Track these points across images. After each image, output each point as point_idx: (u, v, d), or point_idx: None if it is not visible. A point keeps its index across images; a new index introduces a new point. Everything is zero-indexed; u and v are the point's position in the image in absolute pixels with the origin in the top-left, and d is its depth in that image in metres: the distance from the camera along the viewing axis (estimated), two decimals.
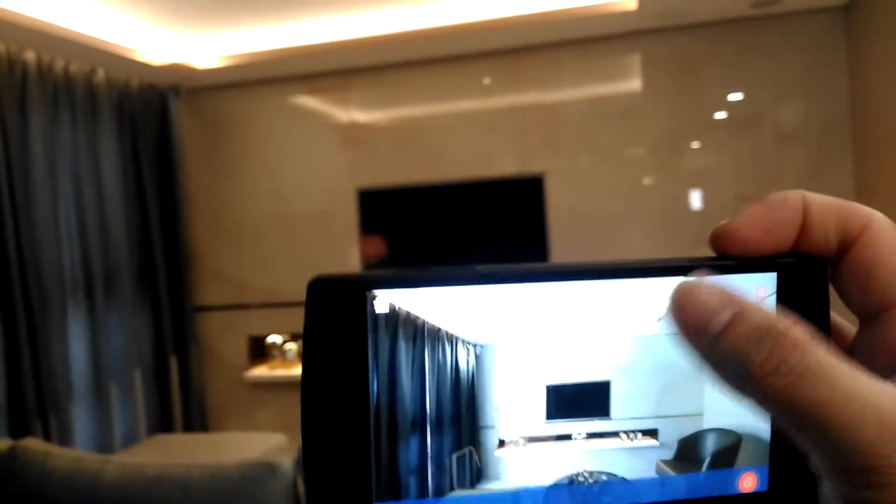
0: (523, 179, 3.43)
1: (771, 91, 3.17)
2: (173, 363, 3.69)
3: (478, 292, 0.27)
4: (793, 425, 0.22)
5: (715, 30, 3.18)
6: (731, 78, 3.23)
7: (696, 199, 3.29)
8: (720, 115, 3.27)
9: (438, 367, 0.27)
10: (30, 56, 2.92)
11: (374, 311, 0.26)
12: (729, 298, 0.23)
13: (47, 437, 2.85)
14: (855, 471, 0.21)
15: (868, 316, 0.26)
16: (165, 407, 3.64)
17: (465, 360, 0.27)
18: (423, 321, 0.26)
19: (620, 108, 3.37)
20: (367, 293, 0.26)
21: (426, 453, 0.27)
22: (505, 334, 0.27)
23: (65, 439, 2.94)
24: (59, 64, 3.08)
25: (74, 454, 1.81)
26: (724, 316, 0.22)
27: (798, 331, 0.22)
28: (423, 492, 0.27)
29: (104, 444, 3.21)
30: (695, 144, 3.32)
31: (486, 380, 0.27)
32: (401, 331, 0.26)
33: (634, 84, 3.38)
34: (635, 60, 3.37)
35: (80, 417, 3.14)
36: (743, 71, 3.20)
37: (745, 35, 3.15)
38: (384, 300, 0.26)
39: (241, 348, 3.81)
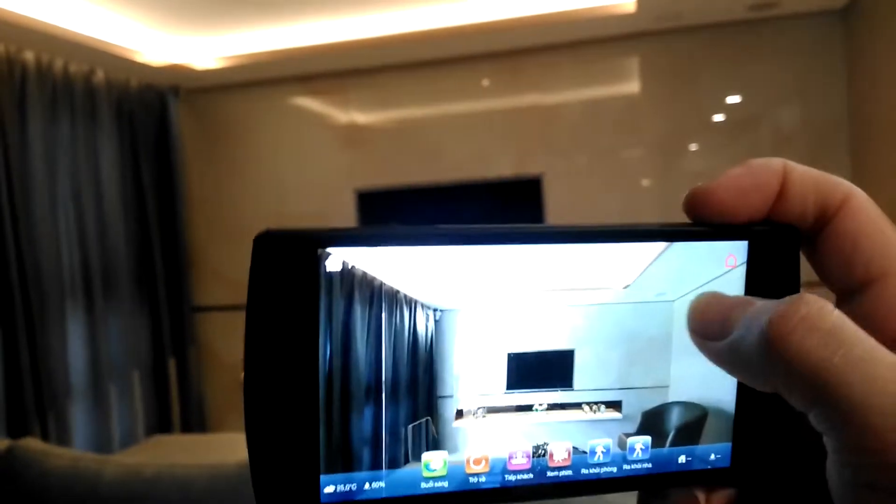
0: (521, 181, 3.43)
1: (768, 94, 3.17)
2: (172, 364, 3.69)
3: (439, 253, 0.25)
4: (818, 395, 0.20)
5: (713, 32, 3.18)
6: (728, 80, 3.23)
7: None
8: (718, 117, 3.27)
9: (395, 332, 0.25)
10: (29, 56, 2.92)
11: (327, 269, 0.24)
12: (749, 298, 0.23)
13: (46, 437, 2.84)
14: (885, 448, 0.19)
15: (848, 291, 0.25)
16: (164, 408, 3.64)
17: (423, 326, 0.26)
18: (380, 282, 0.25)
19: (618, 110, 3.37)
20: (320, 250, 0.24)
21: (381, 423, 0.25)
22: (466, 299, 0.26)
23: (63, 439, 2.93)
24: (59, 64, 3.08)
25: (73, 454, 1.81)
26: (743, 306, 0.23)
27: (819, 297, 0.21)
28: (376, 463, 0.25)
29: (102, 445, 3.20)
30: (693, 147, 3.32)
31: (446, 347, 0.26)
32: (356, 292, 0.24)
33: (632, 86, 3.38)
34: (633, 62, 3.37)
35: (79, 418, 3.13)
36: (741, 73, 3.20)
37: (743, 38, 3.15)
38: (338, 258, 0.24)
39: (240, 349, 3.78)
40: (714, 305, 0.23)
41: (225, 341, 3.86)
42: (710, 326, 0.23)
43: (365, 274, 0.25)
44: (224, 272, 3.83)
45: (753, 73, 3.17)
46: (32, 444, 1.85)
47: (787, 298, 0.21)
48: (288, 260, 0.24)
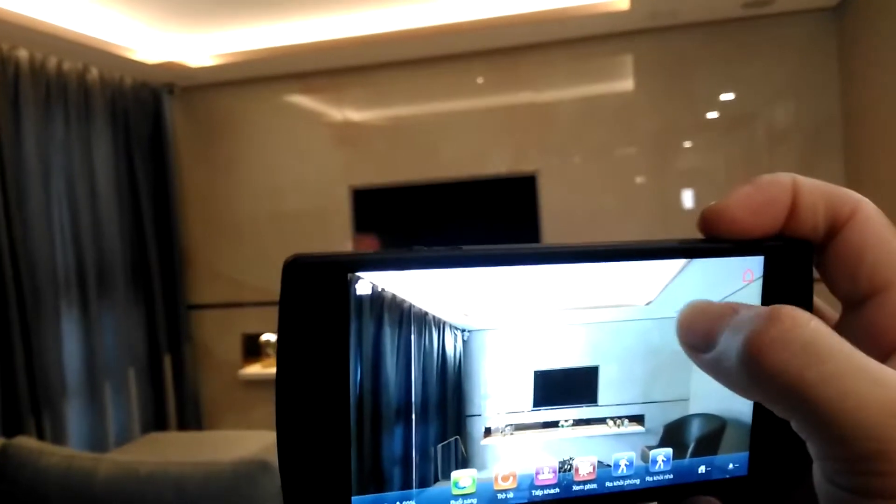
0: (516, 178, 3.43)
1: (762, 91, 3.19)
2: (167, 361, 3.69)
3: (466, 275, 0.26)
4: (794, 408, 0.21)
5: (707, 30, 3.19)
6: (722, 78, 3.24)
7: (688, 199, 3.30)
8: (712, 114, 3.29)
9: (424, 354, 0.26)
10: (22, 54, 2.91)
11: (357, 293, 0.24)
12: (733, 305, 0.23)
13: (41, 435, 2.84)
14: (858, 457, 0.19)
15: (853, 302, 0.26)
16: (159, 405, 3.64)
17: (452, 346, 0.26)
18: (409, 304, 0.25)
19: (613, 107, 3.38)
20: (349, 275, 0.24)
21: (411, 443, 0.26)
22: (493, 319, 0.26)
23: (58, 438, 2.93)
24: (52, 62, 3.07)
25: (68, 452, 1.81)
26: (726, 317, 0.23)
27: (797, 310, 0.21)
28: (406, 483, 0.26)
29: (98, 443, 3.20)
30: (687, 144, 3.33)
31: (474, 366, 0.26)
32: (385, 315, 0.25)
33: (627, 84, 3.39)
34: (627, 60, 3.38)
35: (74, 416, 3.13)
36: (734, 71, 3.21)
37: (737, 35, 3.16)
38: (367, 282, 0.24)
39: (235, 346, 3.80)
40: (700, 316, 0.24)
41: (220, 339, 3.85)
42: (697, 338, 0.24)
43: (394, 297, 0.25)
44: (219, 269, 3.82)
45: (747, 71, 3.18)
46: (27, 442, 1.84)
47: (766, 311, 0.21)
48: (318, 285, 0.24)
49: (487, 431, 0.27)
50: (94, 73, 3.29)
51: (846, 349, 0.20)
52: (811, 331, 0.20)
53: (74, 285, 3.15)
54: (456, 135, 3.53)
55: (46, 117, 3.02)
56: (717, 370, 0.23)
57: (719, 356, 0.22)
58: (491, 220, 3.48)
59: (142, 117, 3.59)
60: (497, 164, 3.49)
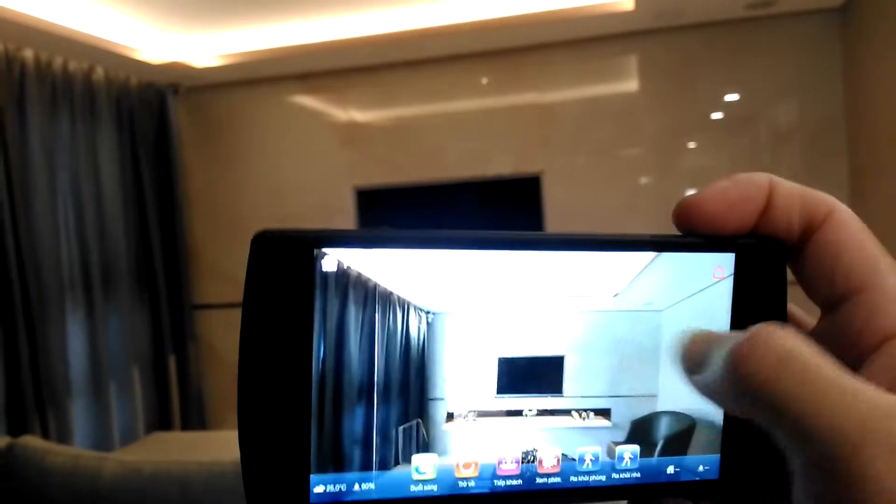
0: (520, 179, 3.43)
1: (766, 92, 3.18)
2: (172, 361, 3.69)
3: (433, 257, 0.25)
4: (774, 421, 0.21)
5: (711, 30, 3.18)
6: (726, 78, 3.23)
7: None
8: (716, 115, 3.28)
9: (388, 334, 0.25)
10: (28, 54, 2.92)
11: (323, 269, 0.24)
12: (729, 333, 0.23)
13: (46, 434, 2.84)
14: (837, 469, 0.19)
15: (830, 304, 0.26)
16: (164, 405, 3.64)
17: (416, 328, 0.26)
18: (375, 283, 0.25)
19: (617, 108, 3.37)
20: (316, 251, 0.24)
21: (372, 424, 0.25)
22: (459, 302, 0.26)
23: (63, 437, 2.94)
24: (58, 62, 3.08)
25: (73, 451, 1.81)
26: (720, 341, 0.23)
27: (773, 325, 0.21)
28: (366, 464, 0.25)
29: (103, 442, 3.21)
30: (691, 144, 3.32)
31: (438, 349, 0.26)
32: (350, 292, 0.25)
33: (631, 84, 3.38)
34: (632, 61, 3.38)
35: (79, 415, 3.14)
36: (739, 71, 3.20)
37: (741, 36, 3.16)
38: (333, 259, 0.24)
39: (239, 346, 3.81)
40: (695, 343, 0.24)
41: (224, 338, 3.86)
42: (691, 362, 0.24)
43: (360, 275, 0.25)
44: (223, 269, 3.83)
45: (751, 72, 3.17)
46: (32, 441, 1.85)
47: (748, 329, 0.21)
48: (284, 260, 0.24)
49: (450, 416, 0.27)
50: (99, 73, 3.30)
51: (823, 365, 0.20)
52: (787, 344, 0.21)
53: (79, 284, 3.16)
54: (460, 135, 3.53)
55: (52, 117, 3.03)
56: (707, 389, 0.23)
57: (708, 376, 0.23)
58: (495, 220, 3.48)
59: (147, 117, 3.60)
60: (501, 164, 3.49)
